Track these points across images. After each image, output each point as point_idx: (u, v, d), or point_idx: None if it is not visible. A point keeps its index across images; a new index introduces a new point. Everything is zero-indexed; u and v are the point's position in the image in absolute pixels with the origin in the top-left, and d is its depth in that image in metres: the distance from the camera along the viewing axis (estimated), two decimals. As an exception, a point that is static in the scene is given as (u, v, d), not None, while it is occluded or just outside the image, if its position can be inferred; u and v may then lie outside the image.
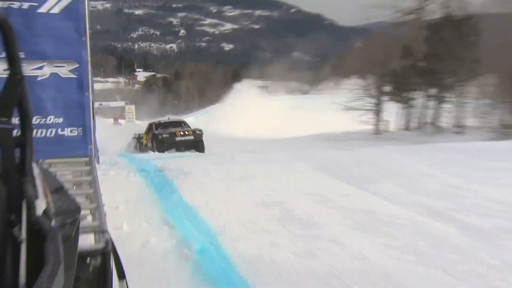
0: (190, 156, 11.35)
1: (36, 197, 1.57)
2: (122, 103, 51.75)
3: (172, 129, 18.92)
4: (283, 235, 4.53)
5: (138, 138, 21.51)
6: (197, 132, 18.57)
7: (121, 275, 2.80)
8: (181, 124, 20.77)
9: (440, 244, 4.27)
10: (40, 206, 1.58)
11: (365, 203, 5.72)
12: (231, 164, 8.46)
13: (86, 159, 4.44)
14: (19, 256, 1.42)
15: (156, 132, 18.94)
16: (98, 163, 4.86)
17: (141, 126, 25.03)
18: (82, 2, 4.24)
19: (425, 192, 6.23)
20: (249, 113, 37.42)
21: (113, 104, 51.75)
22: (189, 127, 19.97)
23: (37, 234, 1.48)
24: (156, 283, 3.47)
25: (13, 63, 1.50)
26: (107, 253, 2.64)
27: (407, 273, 3.63)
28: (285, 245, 4.27)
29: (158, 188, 6.47)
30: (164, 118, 23.92)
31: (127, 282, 2.85)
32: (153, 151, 16.80)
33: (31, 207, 1.49)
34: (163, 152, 15.35)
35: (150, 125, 20.66)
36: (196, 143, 17.94)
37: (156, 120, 22.69)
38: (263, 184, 6.71)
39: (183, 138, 18.04)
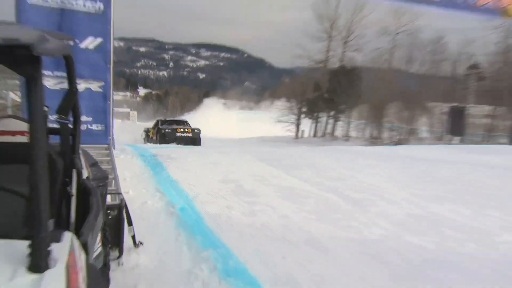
0: (175, 147, 11.06)
1: (82, 167, 1.59)
2: (128, 110, 49.47)
3: (175, 126, 16.35)
4: (235, 201, 4.56)
5: (147, 131, 18.45)
6: (196, 131, 16.18)
7: (130, 223, 2.81)
8: (183, 123, 17.91)
9: (332, 209, 4.46)
10: (84, 173, 1.61)
11: (289, 182, 5.82)
12: (203, 154, 8.37)
13: (106, 146, 4.35)
14: (70, 205, 1.44)
15: (160, 127, 16.30)
16: (114, 148, 4.73)
17: (140, 125, 23.82)
18: (109, 43, 4.19)
19: (326, 177, 6.34)
20: (214, 120, 36.67)
21: (121, 110, 49.08)
22: (189, 126, 17.17)
23: (83, 191, 1.51)
24: (152, 229, 3.45)
25: (71, 82, 1.52)
26: (121, 207, 2.64)
27: (312, 226, 3.80)
28: (236, 207, 4.31)
29: (153, 167, 6.27)
30: (170, 117, 21.52)
31: (134, 227, 2.85)
32: (157, 143, 14.39)
33: (79, 174, 1.52)
34: (165, 144, 13.17)
35: (157, 121, 17.60)
36: (193, 140, 15.30)
37: (162, 117, 20.54)
38: (224, 168, 6.66)
39: (182, 135, 15.47)
